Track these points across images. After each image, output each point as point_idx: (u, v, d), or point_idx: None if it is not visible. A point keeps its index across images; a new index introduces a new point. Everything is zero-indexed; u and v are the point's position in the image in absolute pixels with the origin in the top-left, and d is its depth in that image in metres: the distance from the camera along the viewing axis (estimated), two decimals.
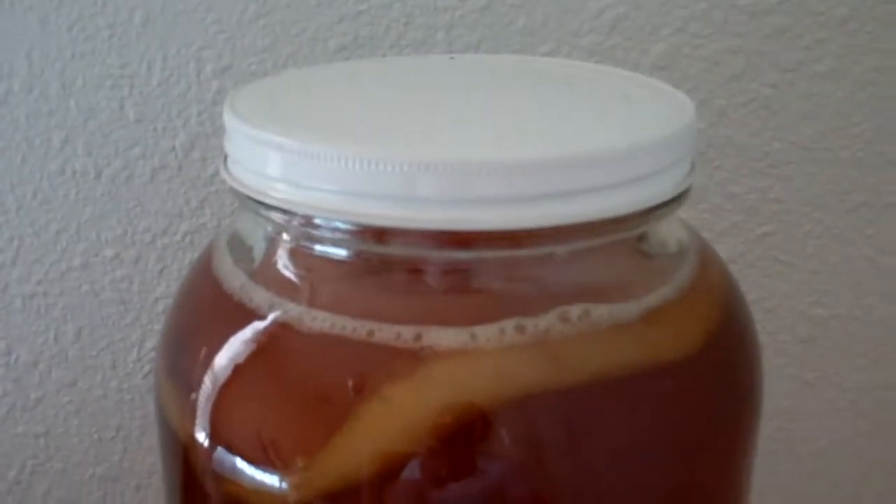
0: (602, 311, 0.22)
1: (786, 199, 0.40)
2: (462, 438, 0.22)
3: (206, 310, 0.25)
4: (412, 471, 0.22)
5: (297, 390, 0.23)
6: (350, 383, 0.22)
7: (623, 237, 0.23)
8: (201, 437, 0.24)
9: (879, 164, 0.39)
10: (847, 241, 0.40)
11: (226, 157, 0.25)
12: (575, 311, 0.22)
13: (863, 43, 0.37)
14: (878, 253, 0.41)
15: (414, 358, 0.22)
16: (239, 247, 0.25)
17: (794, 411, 0.44)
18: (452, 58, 0.33)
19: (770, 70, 0.38)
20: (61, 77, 0.37)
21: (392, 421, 0.22)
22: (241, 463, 0.23)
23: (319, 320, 0.22)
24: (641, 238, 0.24)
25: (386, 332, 0.22)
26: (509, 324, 0.22)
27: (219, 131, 0.37)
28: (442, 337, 0.22)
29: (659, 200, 0.22)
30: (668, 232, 0.25)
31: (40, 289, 0.40)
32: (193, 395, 0.24)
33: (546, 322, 0.22)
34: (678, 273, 0.24)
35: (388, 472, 0.22)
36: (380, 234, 0.22)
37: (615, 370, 0.22)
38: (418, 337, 0.22)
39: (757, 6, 0.37)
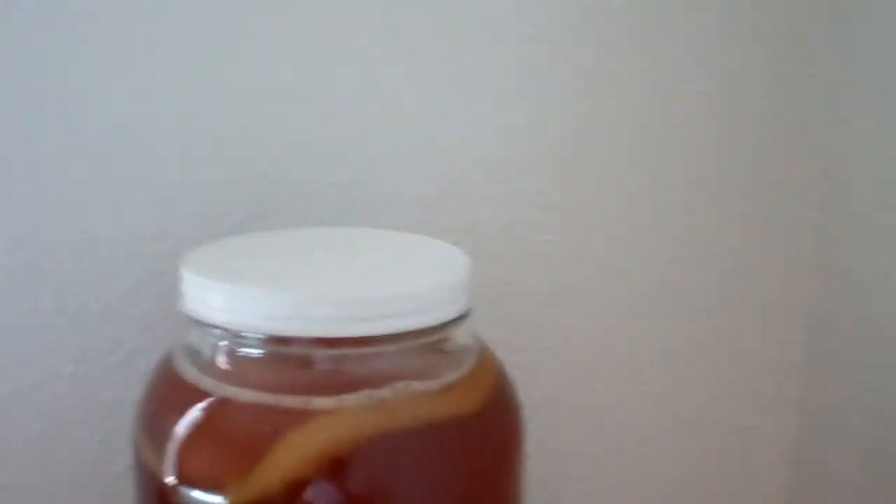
0: (416, 385, 0.37)
1: (562, 321, 0.56)
2: (334, 465, 0.36)
3: (171, 392, 0.39)
4: (305, 488, 0.36)
5: (234, 438, 0.37)
6: (267, 430, 0.36)
7: (429, 341, 0.39)
8: (170, 476, 0.38)
9: (630, 299, 0.56)
10: (608, 349, 0.57)
11: (182, 296, 0.39)
12: (400, 385, 0.37)
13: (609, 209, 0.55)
14: (630, 357, 0.58)
15: (305, 414, 0.36)
16: (191, 352, 0.40)
17: (587, 478, 0.59)
18: (324, 231, 0.48)
19: (543, 232, 0.55)
20: (35, 239, 0.50)
21: (292, 455, 0.36)
22: (197, 492, 0.37)
23: (247, 395, 0.37)
24: (441, 341, 0.39)
25: (288, 400, 0.36)
26: (363, 394, 0.37)
27: (153, 278, 0.51)
28: (321, 402, 0.36)
29: (446, 319, 0.38)
30: (460, 338, 0.41)
31: (12, 395, 0.52)
32: (166, 446, 0.38)
33: (383, 392, 0.37)
34: (465, 363, 0.40)
35: (290, 489, 0.36)
36: (283, 341, 0.37)
37: (425, 420, 0.37)
38: (308, 402, 0.36)
39: (531, 187, 0.54)
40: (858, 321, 0.57)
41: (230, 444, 0.37)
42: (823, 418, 0.59)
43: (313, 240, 0.45)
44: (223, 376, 0.38)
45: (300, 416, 0.36)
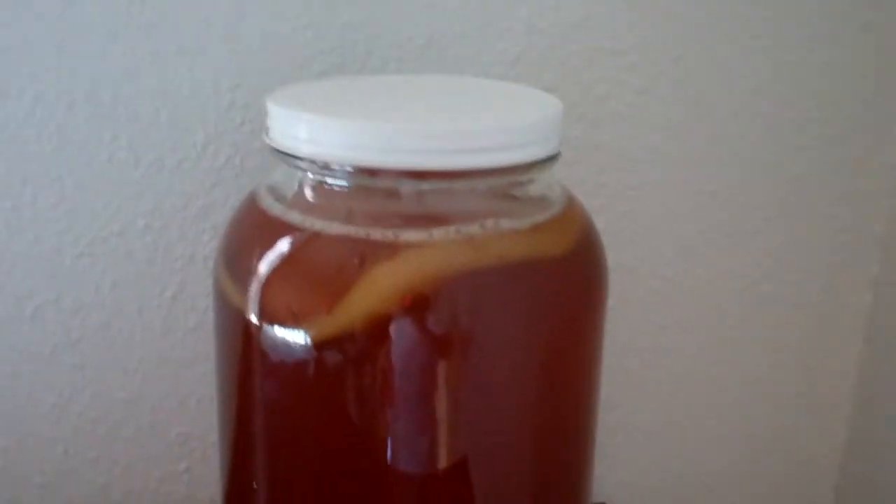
0: (505, 223, 0.37)
1: (638, 187, 0.55)
2: (420, 300, 0.36)
3: (255, 230, 0.39)
4: (388, 324, 0.36)
5: (319, 272, 0.37)
6: (355, 261, 0.36)
7: (518, 179, 0.38)
8: (254, 312, 0.37)
9: (705, 162, 0.55)
10: (684, 220, 0.56)
11: (268, 131, 0.38)
12: (489, 222, 0.37)
13: (690, 75, 0.53)
14: (707, 227, 0.57)
15: (393, 248, 0.36)
16: (275, 191, 0.39)
17: (652, 349, 0.59)
18: (408, 77, 0.47)
19: (626, 93, 0.53)
20: (113, 90, 0.50)
21: (377, 289, 0.36)
22: (279, 328, 0.37)
23: (333, 228, 0.36)
24: (530, 182, 0.39)
25: (377, 233, 0.36)
26: (451, 228, 0.36)
27: (229, 132, 0.51)
28: (410, 235, 0.36)
29: (536, 158, 0.37)
30: (548, 184, 0.40)
31: (87, 250, 0.52)
32: (251, 282, 0.37)
33: (472, 228, 0.36)
34: (553, 208, 0.39)
35: (373, 324, 0.36)
36: (371, 172, 0.36)
37: (513, 259, 0.37)
38: (396, 235, 0.36)
39: (616, 47, 0.52)
40: None
41: (315, 277, 0.37)
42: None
43: (401, 82, 0.44)
44: (309, 210, 0.37)
45: (388, 250, 0.35)
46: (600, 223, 0.41)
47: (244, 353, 0.39)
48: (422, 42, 0.51)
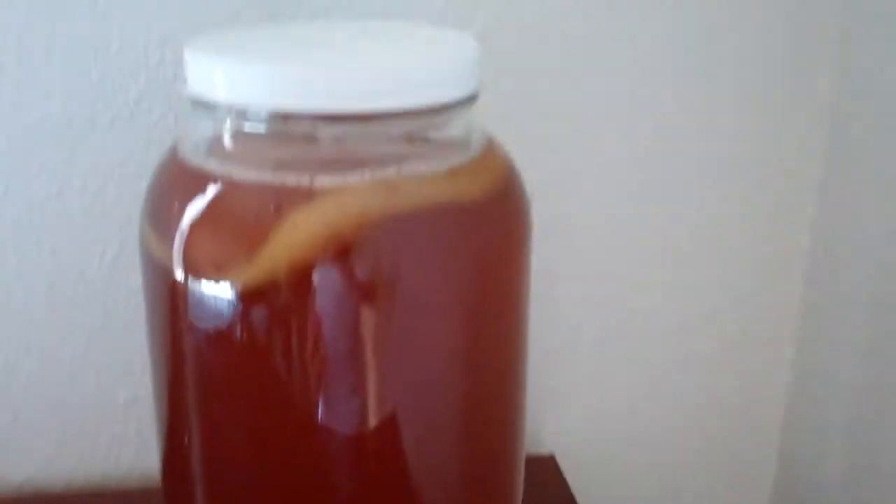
0: (423, 166, 0.37)
1: (574, 138, 0.55)
2: (339, 246, 0.36)
3: (175, 181, 0.39)
4: (311, 270, 0.36)
5: (237, 220, 0.37)
6: (271, 207, 0.36)
7: (436, 121, 0.38)
8: (178, 265, 0.37)
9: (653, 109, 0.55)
10: (626, 171, 0.56)
11: (185, 81, 0.38)
12: (406, 166, 0.37)
13: None
14: (648, 179, 0.57)
15: (309, 193, 0.36)
16: (195, 138, 0.39)
17: (593, 294, 0.59)
18: (331, 22, 0.47)
19: (565, 40, 0.53)
20: (44, 48, 0.50)
21: (296, 235, 0.36)
22: (204, 280, 0.37)
23: (252, 175, 0.36)
24: (449, 124, 0.39)
25: (292, 178, 0.36)
26: (366, 172, 0.36)
27: (161, 87, 0.51)
28: (326, 180, 0.36)
29: (450, 100, 0.37)
30: (468, 126, 0.40)
31: (25, 214, 0.52)
32: (173, 233, 0.37)
33: (388, 172, 0.36)
34: (473, 150, 0.39)
35: (296, 272, 0.36)
36: (286, 117, 0.36)
37: (431, 202, 0.37)
38: (311, 180, 0.36)
39: None
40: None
41: (234, 225, 0.37)
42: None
43: (322, 28, 0.44)
44: (227, 158, 0.37)
45: (303, 195, 0.35)
46: (534, 175, 0.41)
47: (171, 309, 0.39)
48: None
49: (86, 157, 0.51)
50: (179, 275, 0.37)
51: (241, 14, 0.50)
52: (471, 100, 0.38)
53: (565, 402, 0.62)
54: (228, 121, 0.37)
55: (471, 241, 0.38)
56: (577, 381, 0.61)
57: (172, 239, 0.37)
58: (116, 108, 0.51)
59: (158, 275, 0.39)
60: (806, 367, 0.62)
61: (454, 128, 0.39)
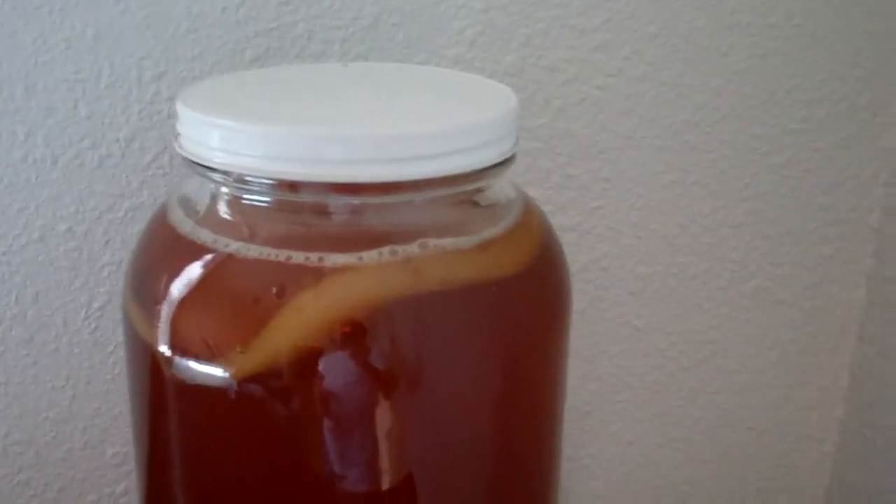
0: (448, 242, 0.32)
1: (612, 178, 0.50)
2: (351, 332, 0.31)
3: (164, 249, 0.34)
4: (317, 359, 0.31)
5: (235, 300, 0.32)
6: (273, 290, 0.31)
7: (464, 190, 0.33)
8: (163, 344, 0.33)
9: (685, 149, 0.50)
10: (662, 212, 0.51)
11: (178, 136, 0.33)
12: (429, 241, 0.32)
13: (668, 53, 0.48)
14: (688, 221, 0.52)
15: (319, 274, 0.31)
16: (187, 204, 0.34)
17: (627, 353, 0.54)
18: (345, 65, 0.42)
19: (597, 75, 0.48)
20: (25, 81, 0.45)
21: (301, 320, 0.31)
22: (193, 362, 0.32)
23: (251, 250, 0.31)
24: (478, 192, 0.34)
25: (298, 257, 0.31)
26: (385, 250, 0.31)
27: (156, 125, 0.46)
28: (338, 259, 0.31)
29: (487, 164, 0.32)
30: (501, 190, 0.35)
31: (4, 258, 0.48)
32: (158, 309, 0.33)
33: (410, 249, 0.31)
34: (506, 218, 0.34)
35: (299, 359, 0.31)
36: (293, 186, 0.31)
37: (458, 281, 0.32)
38: (321, 259, 0.31)
39: (585, 24, 0.47)
40: None
41: (230, 306, 0.32)
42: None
43: (332, 75, 0.39)
44: (224, 229, 0.32)
45: (312, 275, 0.31)
46: (569, 219, 0.37)
47: (152, 385, 0.34)
48: (367, 22, 0.46)
49: (72, 199, 0.47)
50: (165, 356, 0.32)
51: (245, 48, 0.45)
52: (507, 163, 0.33)
53: (594, 461, 0.57)
54: (225, 187, 0.32)
55: (501, 323, 0.33)
56: (609, 438, 0.57)
57: (158, 317, 0.33)
58: (106, 146, 0.46)
59: (139, 347, 0.34)
60: (854, 428, 0.57)
61: (487, 194, 0.34)
